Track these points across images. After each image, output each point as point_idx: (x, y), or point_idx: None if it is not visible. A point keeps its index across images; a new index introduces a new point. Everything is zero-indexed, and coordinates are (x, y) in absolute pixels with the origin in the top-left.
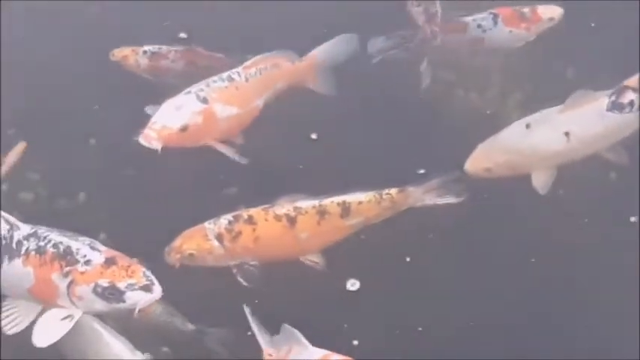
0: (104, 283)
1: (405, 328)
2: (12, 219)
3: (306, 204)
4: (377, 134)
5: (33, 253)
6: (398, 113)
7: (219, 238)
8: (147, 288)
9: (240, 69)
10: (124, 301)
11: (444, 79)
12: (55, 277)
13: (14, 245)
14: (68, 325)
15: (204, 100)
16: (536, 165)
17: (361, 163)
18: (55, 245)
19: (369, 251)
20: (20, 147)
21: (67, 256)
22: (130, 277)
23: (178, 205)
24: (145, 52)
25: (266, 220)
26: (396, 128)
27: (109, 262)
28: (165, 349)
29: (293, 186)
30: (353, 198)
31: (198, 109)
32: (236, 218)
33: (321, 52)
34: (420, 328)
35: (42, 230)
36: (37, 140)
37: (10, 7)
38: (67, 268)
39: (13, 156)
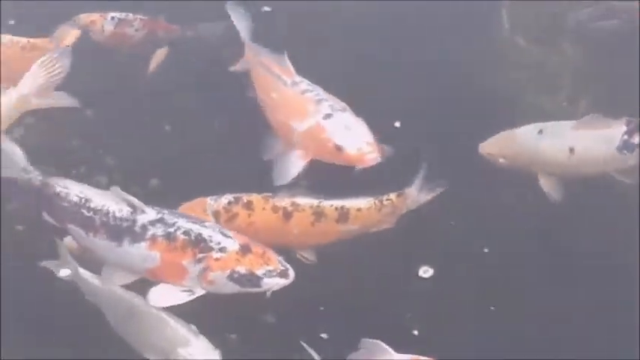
0: (242, 270)
1: (470, 320)
2: (137, 202)
3: (305, 202)
4: (438, 131)
5: (160, 238)
6: (462, 111)
7: (215, 214)
8: (283, 274)
9: None
10: (259, 287)
11: (515, 78)
12: (187, 263)
13: (138, 228)
14: (186, 298)
15: None
16: (540, 169)
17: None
18: (185, 232)
19: (445, 238)
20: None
21: (199, 243)
22: (267, 264)
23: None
24: (112, 17)
25: (263, 208)
26: (463, 127)
27: (244, 249)
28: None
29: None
30: (352, 204)
31: None
32: (236, 200)
33: None
34: (486, 320)
35: (168, 216)
36: (114, 125)
37: None
38: (201, 255)
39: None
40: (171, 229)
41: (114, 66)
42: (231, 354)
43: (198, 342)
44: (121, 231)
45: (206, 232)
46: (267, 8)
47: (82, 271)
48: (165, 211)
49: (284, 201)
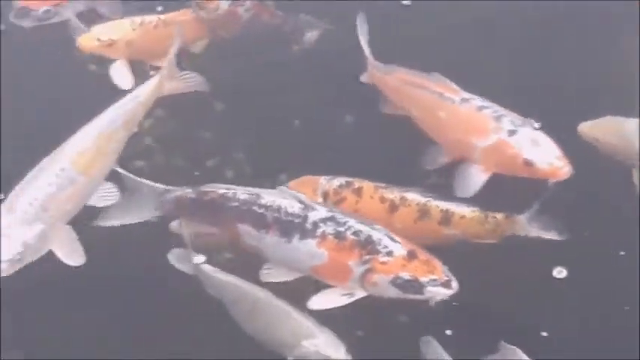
0: (406, 276)
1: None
2: (308, 200)
3: (413, 198)
4: None
5: (331, 237)
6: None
7: (324, 194)
8: (447, 284)
9: None
10: (422, 294)
11: None
12: (353, 263)
13: (309, 225)
14: (346, 301)
15: None
16: (634, 163)
17: None
18: (355, 233)
19: (580, 239)
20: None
21: (367, 245)
22: (431, 272)
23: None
24: None
25: (371, 197)
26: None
27: (411, 255)
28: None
29: None
30: (458, 210)
31: None
32: (348, 184)
33: None
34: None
35: (339, 215)
36: (243, 119)
37: None
38: (367, 257)
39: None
40: (342, 228)
41: (243, 60)
42: (359, 351)
43: (323, 335)
44: (292, 227)
45: (375, 235)
46: (407, 2)
47: (204, 265)
48: (336, 210)
49: (393, 193)
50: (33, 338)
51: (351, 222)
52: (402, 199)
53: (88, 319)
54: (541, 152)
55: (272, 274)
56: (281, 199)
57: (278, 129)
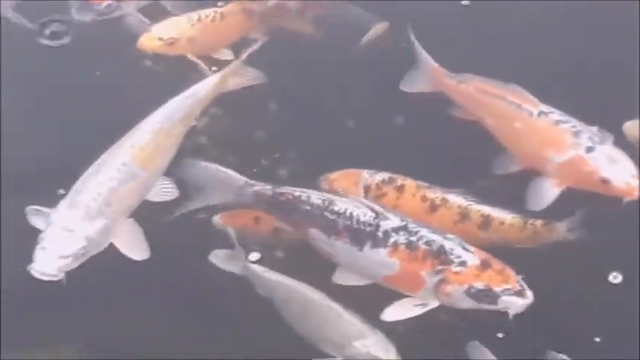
0: (480, 285)
1: None
2: (378, 208)
3: (455, 200)
4: None
5: (403, 246)
6: None
7: (366, 189)
8: (521, 293)
9: None
10: (496, 304)
11: None
12: (425, 273)
13: (380, 234)
14: (419, 311)
15: None
16: None
17: None
18: (427, 242)
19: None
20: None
21: (440, 255)
22: (506, 281)
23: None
24: None
25: (413, 195)
26: None
27: (484, 264)
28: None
29: None
30: (498, 215)
31: None
32: (391, 180)
33: None
34: None
35: (412, 225)
36: (297, 118)
37: None
38: (440, 267)
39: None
40: (414, 238)
41: (297, 60)
42: (406, 352)
43: (374, 336)
44: (364, 235)
45: (448, 245)
46: (465, 2)
47: (253, 265)
48: (409, 219)
49: (435, 193)
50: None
51: (424, 231)
52: (443, 200)
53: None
54: (618, 170)
55: (344, 278)
56: (354, 206)
57: (331, 129)
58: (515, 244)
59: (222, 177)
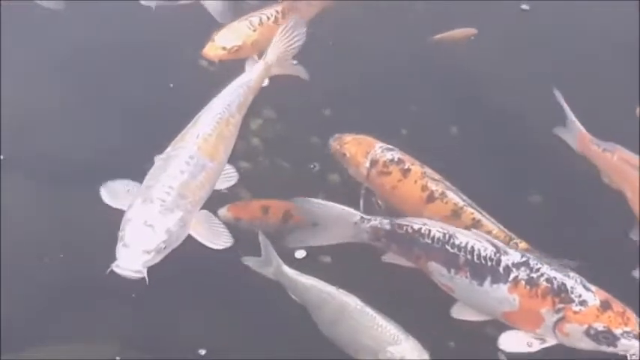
0: (599, 327)
1: None
2: (499, 243)
3: (452, 197)
4: None
5: (523, 282)
6: None
7: (372, 162)
8: None
9: None
10: (615, 346)
11: None
12: (545, 311)
13: (501, 269)
14: (538, 346)
15: None
16: None
17: None
18: (548, 280)
19: None
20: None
21: (561, 293)
22: (626, 324)
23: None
24: None
25: (415, 182)
26: None
27: (604, 305)
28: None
29: None
30: (487, 224)
31: None
32: (398, 161)
33: None
34: None
35: (533, 261)
36: (351, 125)
37: None
38: (560, 305)
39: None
40: (535, 275)
41: (352, 66)
42: None
43: (408, 342)
44: (485, 270)
45: (569, 283)
46: (525, 7)
47: (286, 268)
48: (529, 255)
49: (437, 186)
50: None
51: (545, 268)
52: (442, 194)
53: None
54: None
55: (462, 313)
56: (474, 240)
57: (384, 136)
58: None
59: (337, 214)
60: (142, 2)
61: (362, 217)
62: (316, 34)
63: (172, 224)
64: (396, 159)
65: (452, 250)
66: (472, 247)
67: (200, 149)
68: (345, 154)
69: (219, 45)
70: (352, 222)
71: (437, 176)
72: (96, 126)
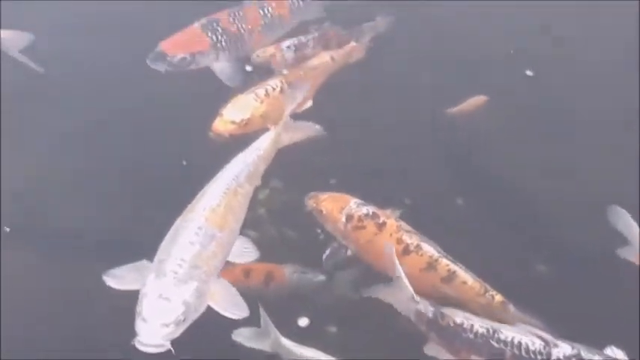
0: None
1: None
2: (547, 336)
3: (428, 250)
4: None
5: None
6: None
7: (348, 217)
8: None
9: None
10: None
11: None
12: None
13: None
14: None
15: None
16: None
17: None
18: None
19: None
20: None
21: None
22: None
23: None
24: (288, 47)
25: (391, 235)
26: None
27: None
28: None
29: None
30: (462, 275)
31: None
32: (374, 215)
33: None
34: None
35: (585, 352)
36: (355, 193)
37: None
38: None
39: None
40: None
41: (357, 137)
42: None
43: None
44: None
45: None
46: (529, 73)
47: (284, 340)
48: (580, 346)
49: (412, 239)
50: None
51: (596, 358)
52: (417, 247)
53: None
54: None
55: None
56: (521, 334)
57: (389, 206)
58: (473, 307)
59: (399, 285)
60: (151, 65)
61: (413, 297)
62: (322, 105)
63: (188, 295)
64: (370, 213)
65: (497, 345)
66: (519, 342)
67: (208, 220)
68: (321, 211)
69: (227, 119)
70: (406, 297)
71: (411, 229)
72: (106, 198)
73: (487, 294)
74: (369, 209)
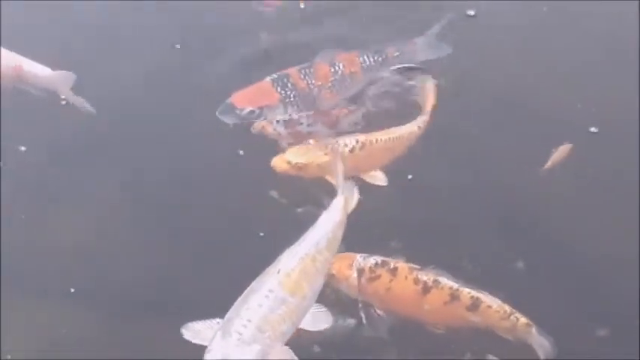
0: None
1: None
2: None
3: (446, 282)
4: None
5: None
6: None
7: (359, 271)
8: None
9: None
10: None
11: None
12: None
13: None
14: None
15: None
16: None
17: None
18: None
19: None
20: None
21: None
22: None
23: None
24: (277, 121)
25: (406, 277)
26: None
27: None
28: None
29: None
30: (487, 300)
31: None
32: (383, 263)
33: None
34: None
35: None
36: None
37: None
38: None
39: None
40: None
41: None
42: None
43: None
44: None
45: None
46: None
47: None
48: None
49: (427, 275)
50: None
51: None
52: (435, 281)
53: None
54: None
55: None
56: None
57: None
58: (501, 332)
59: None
60: (220, 117)
61: None
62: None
63: (249, 358)
64: (379, 262)
65: None
66: None
67: (281, 284)
68: (332, 275)
69: (285, 158)
70: None
71: (418, 266)
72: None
73: (511, 317)
74: (376, 258)
